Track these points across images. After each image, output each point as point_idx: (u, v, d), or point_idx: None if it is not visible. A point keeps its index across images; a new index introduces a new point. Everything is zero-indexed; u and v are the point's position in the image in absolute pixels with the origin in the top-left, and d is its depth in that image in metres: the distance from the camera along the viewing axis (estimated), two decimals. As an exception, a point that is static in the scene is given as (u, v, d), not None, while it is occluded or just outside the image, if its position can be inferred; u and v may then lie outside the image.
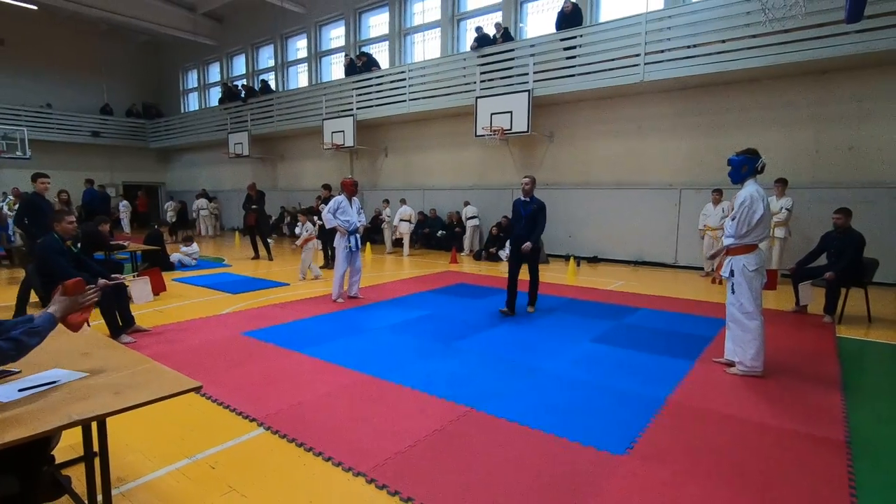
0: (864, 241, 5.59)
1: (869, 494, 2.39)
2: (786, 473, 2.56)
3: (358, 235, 6.72)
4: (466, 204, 12.23)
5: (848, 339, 5.03)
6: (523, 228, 5.85)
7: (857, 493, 2.39)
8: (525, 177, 6.00)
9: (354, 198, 6.75)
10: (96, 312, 4.72)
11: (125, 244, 8.02)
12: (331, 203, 6.74)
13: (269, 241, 11.39)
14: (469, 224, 11.94)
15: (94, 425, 1.85)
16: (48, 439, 1.92)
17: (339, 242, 6.64)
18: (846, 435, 2.97)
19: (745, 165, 3.96)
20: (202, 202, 17.09)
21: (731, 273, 3.98)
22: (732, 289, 3.99)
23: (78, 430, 1.90)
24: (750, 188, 3.90)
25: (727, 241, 4.03)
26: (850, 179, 8.16)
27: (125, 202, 18.50)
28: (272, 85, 17.39)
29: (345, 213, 6.61)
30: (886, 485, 2.49)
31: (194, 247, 10.14)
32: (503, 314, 5.94)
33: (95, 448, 1.99)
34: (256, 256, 10.95)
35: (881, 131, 7.91)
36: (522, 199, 5.93)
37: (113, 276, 4.87)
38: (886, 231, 7.71)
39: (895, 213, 7.71)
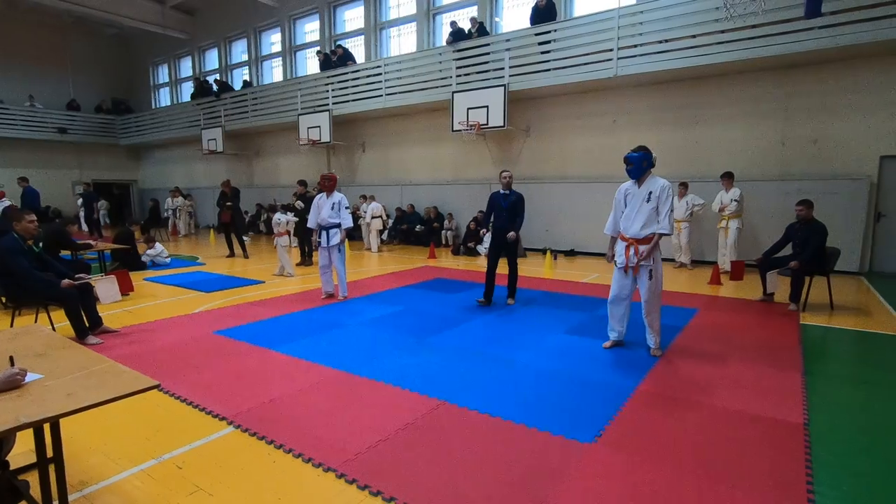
0: (826, 231, 5.76)
1: (825, 475, 2.48)
2: (745, 456, 2.64)
3: (329, 232, 6.46)
4: (370, 199, 12.13)
5: (811, 326, 5.20)
6: (504, 220, 5.99)
7: (814, 474, 2.48)
8: (504, 171, 6.14)
9: (337, 193, 6.61)
10: (61, 313, 4.60)
11: (93, 243, 7.79)
12: (312, 202, 6.69)
13: (244, 238, 11.22)
14: (373, 224, 11.87)
15: (46, 428, 1.80)
16: (-1, 443, 1.87)
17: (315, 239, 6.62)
18: (805, 418, 3.07)
19: (645, 160, 4.14)
20: (180, 200, 16.67)
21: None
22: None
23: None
24: (660, 179, 4.13)
25: (664, 231, 4.11)
26: (815, 172, 8.39)
27: (103, 201, 17.97)
28: (248, 79, 17.07)
29: (319, 211, 6.51)
30: (842, 465, 2.59)
31: (158, 247, 9.86)
32: (480, 304, 6.10)
33: (51, 451, 1.93)
34: (231, 254, 10.78)
35: (844, 125, 8.15)
36: (502, 191, 6.06)
37: (78, 275, 4.75)
38: (848, 221, 7.98)
39: (856, 204, 7.98)
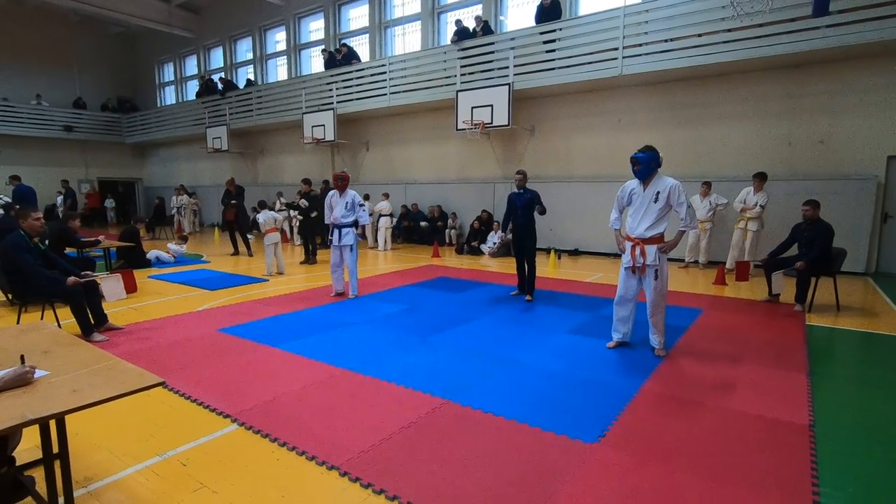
0: (832, 231, 5.72)
1: (830, 476, 2.47)
2: (750, 457, 2.62)
3: (342, 230, 6.47)
4: (383, 198, 12.10)
5: (817, 327, 5.17)
6: (521, 218, 6.20)
7: (819, 476, 2.46)
8: (517, 172, 6.36)
9: (349, 191, 6.59)
10: (67, 311, 4.62)
11: (99, 240, 7.82)
12: (325, 201, 6.71)
13: (248, 236, 11.26)
14: (382, 222, 11.84)
15: (52, 424, 1.80)
16: (5, 440, 1.87)
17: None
18: (810, 419, 3.05)
19: (653, 161, 4.12)
20: (185, 199, 16.65)
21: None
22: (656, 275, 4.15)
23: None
24: (668, 179, 4.11)
25: (693, 227, 4.25)
26: (821, 172, 8.33)
27: (111, 200, 18.06)
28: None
29: (332, 208, 6.53)
30: (847, 467, 2.57)
31: (183, 248, 10.38)
32: (514, 296, 6.57)
33: (56, 447, 1.94)
34: (236, 252, 10.82)
35: (850, 125, 8.09)
36: (516, 191, 6.25)
37: (83, 273, 4.77)
38: (855, 222, 7.93)
39: (863, 205, 7.92)
